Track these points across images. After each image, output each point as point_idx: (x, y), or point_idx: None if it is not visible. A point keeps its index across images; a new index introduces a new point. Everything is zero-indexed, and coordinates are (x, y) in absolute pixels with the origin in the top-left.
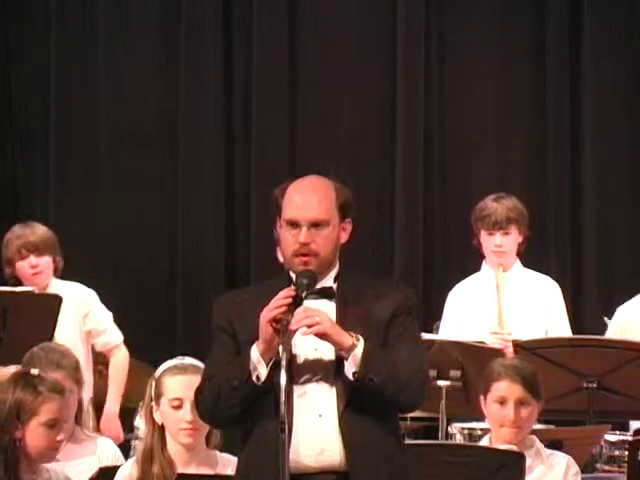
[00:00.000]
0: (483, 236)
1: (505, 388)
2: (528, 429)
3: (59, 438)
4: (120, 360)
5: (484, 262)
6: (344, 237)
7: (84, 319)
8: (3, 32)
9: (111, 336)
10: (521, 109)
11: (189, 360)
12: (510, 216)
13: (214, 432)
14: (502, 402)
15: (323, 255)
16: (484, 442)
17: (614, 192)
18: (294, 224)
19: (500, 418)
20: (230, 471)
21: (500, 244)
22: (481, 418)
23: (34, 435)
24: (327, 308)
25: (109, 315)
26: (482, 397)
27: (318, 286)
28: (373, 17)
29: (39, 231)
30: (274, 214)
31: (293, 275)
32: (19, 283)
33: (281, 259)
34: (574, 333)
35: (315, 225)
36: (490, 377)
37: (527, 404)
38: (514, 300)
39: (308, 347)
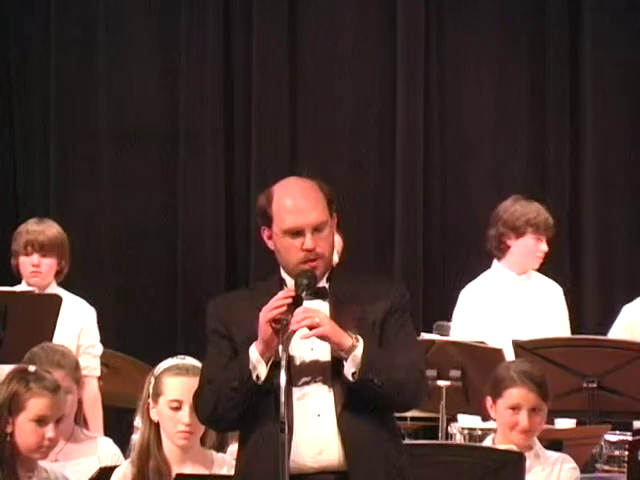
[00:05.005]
0: (527, 239)
1: (520, 395)
2: (538, 432)
3: (48, 436)
4: (95, 391)
5: (495, 261)
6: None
7: (78, 333)
8: (3, 31)
9: (93, 362)
10: (521, 109)
11: (190, 361)
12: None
13: (209, 432)
14: (515, 408)
15: (327, 256)
16: (487, 443)
17: (614, 192)
18: (296, 232)
19: (512, 424)
20: (225, 470)
21: (544, 250)
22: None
23: (22, 430)
24: (321, 308)
25: (99, 345)
26: (490, 400)
27: None
28: (373, 17)
29: (50, 231)
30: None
31: (286, 277)
32: (20, 277)
33: None
34: (574, 333)
35: (317, 228)
36: (502, 383)
37: (539, 410)
38: (523, 304)
39: (304, 348)
